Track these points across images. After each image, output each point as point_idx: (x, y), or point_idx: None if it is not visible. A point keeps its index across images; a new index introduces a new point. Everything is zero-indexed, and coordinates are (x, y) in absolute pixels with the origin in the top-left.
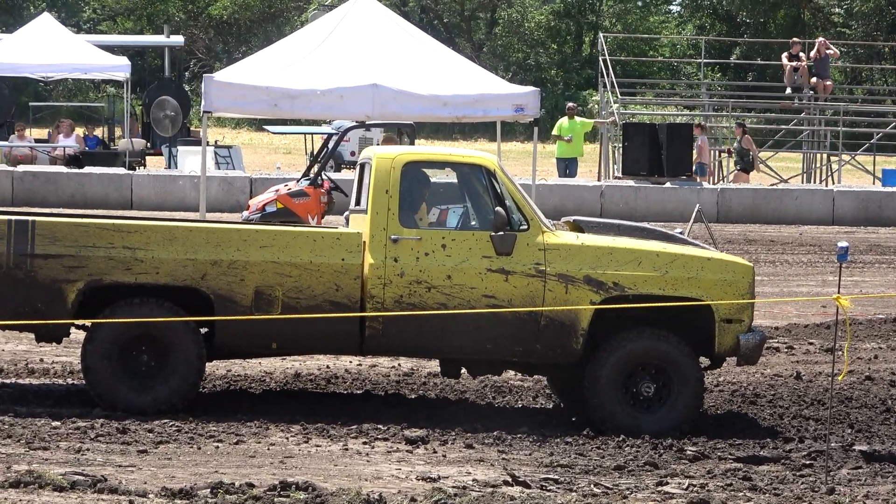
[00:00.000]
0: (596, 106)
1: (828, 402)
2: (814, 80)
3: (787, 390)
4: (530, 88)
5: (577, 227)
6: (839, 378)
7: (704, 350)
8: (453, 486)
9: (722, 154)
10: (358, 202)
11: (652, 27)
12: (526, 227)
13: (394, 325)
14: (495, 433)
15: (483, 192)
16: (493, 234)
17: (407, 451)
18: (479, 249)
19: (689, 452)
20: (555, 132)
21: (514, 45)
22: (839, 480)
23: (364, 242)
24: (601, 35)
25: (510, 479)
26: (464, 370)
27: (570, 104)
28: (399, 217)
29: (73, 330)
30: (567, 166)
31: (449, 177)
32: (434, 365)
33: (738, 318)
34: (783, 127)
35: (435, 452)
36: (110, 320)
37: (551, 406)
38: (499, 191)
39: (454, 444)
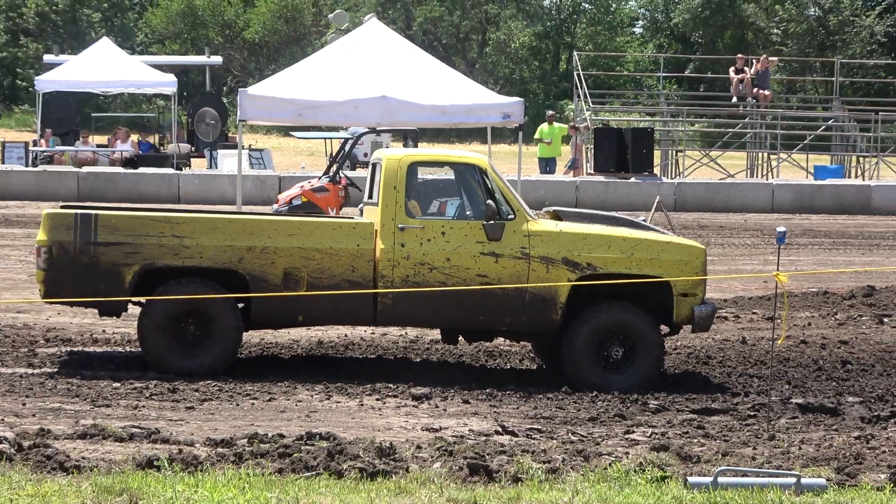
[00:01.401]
0: (571, 113)
1: (769, 363)
2: (756, 90)
3: (734, 353)
4: (515, 99)
5: (557, 216)
6: (778, 342)
7: (664, 319)
8: (452, 436)
9: (675, 154)
10: (370, 196)
11: (618, 46)
12: (513, 216)
13: (402, 300)
14: (488, 390)
15: (476, 187)
16: (485, 223)
17: (413, 406)
18: (473, 236)
19: (651, 406)
20: (537, 136)
21: (502, 62)
22: (779, 428)
23: (376, 231)
24: (575, 53)
25: (500, 429)
26: (461, 338)
27: (550, 112)
28: (405, 209)
29: (130, 306)
30: (547, 164)
31: (447, 174)
32: (436, 333)
33: (693, 293)
34: (730, 130)
35: (437, 407)
36: (163, 297)
37: (535, 368)
38: (489, 186)
39: (453, 399)
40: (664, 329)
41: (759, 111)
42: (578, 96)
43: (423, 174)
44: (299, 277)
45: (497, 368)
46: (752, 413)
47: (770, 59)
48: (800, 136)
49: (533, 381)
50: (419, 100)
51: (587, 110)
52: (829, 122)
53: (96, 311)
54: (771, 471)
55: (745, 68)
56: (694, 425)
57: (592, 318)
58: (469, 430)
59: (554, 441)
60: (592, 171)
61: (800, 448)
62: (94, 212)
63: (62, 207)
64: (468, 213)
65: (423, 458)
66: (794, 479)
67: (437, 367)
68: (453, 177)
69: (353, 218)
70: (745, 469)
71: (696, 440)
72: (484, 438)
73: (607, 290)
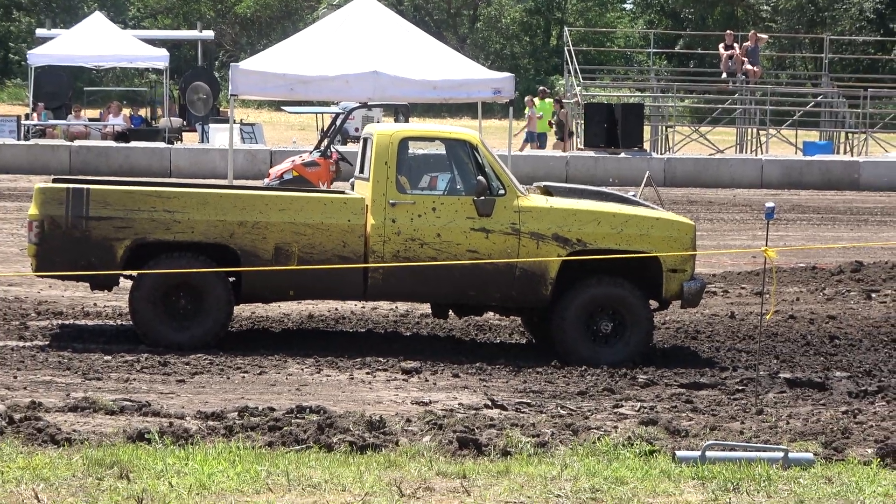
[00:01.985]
0: (562, 89)
1: (757, 338)
2: (745, 66)
3: (722, 327)
4: (506, 74)
5: (547, 192)
6: (767, 317)
7: (654, 295)
8: (442, 409)
9: (664, 129)
10: (362, 171)
11: (609, 22)
12: (503, 192)
13: (392, 275)
14: (477, 364)
15: (467, 162)
16: (476, 198)
17: (403, 380)
18: (464, 211)
19: (640, 380)
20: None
21: (493, 37)
22: (767, 403)
23: (367, 206)
24: (566, 29)
25: (490, 403)
26: (451, 312)
27: (541, 88)
28: (396, 184)
29: (121, 280)
30: (538, 139)
31: (438, 150)
32: (426, 308)
33: (682, 268)
34: (719, 106)
35: (427, 381)
36: (154, 271)
37: (525, 342)
38: (480, 162)
39: (443, 373)
40: (653, 304)
41: (748, 87)
42: (569, 72)
43: (414, 149)
44: (290, 252)
45: (487, 343)
46: (740, 387)
47: (759, 35)
48: (789, 112)
49: (522, 356)
50: (410, 75)
51: (577, 86)
52: (818, 99)
53: (88, 284)
54: (759, 445)
55: (735, 44)
56: (682, 399)
57: (582, 293)
58: (459, 404)
59: (543, 415)
60: (582, 146)
61: (787, 422)
62: (85, 186)
63: (54, 181)
64: (459, 188)
65: (413, 432)
66: (781, 454)
67: (427, 341)
68: (444, 152)
69: (344, 193)
70: (732, 443)
71: (684, 414)
72: (473, 412)
73: (597, 266)
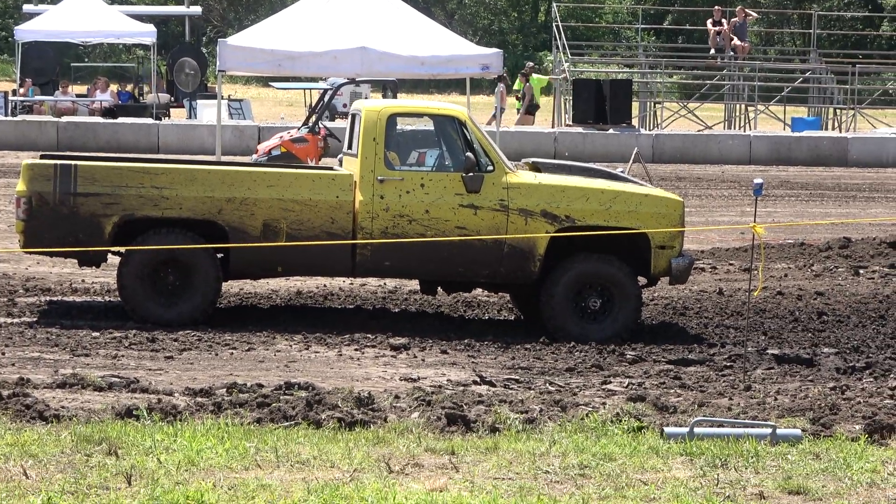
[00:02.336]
0: (550, 65)
1: (745, 314)
2: (734, 41)
3: (710, 304)
4: (494, 50)
5: (536, 168)
6: (755, 293)
7: (642, 271)
8: (431, 385)
9: (653, 106)
10: (350, 147)
11: None
12: (492, 168)
13: (380, 251)
14: (466, 341)
15: (455, 138)
16: (464, 175)
17: (391, 356)
18: (453, 188)
19: (628, 356)
20: (516, 87)
21: (481, 13)
22: (755, 379)
23: (355, 182)
24: (554, 4)
25: (478, 379)
26: (440, 289)
27: (529, 63)
28: (385, 161)
29: (109, 257)
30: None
31: (426, 126)
32: (414, 284)
33: (671, 245)
34: (708, 82)
35: (415, 357)
36: (142, 248)
37: (513, 318)
38: (469, 138)
39: (431, 350)
40: (642, 280)
41: (736, 63)
42: (557, 48)
43: (403, 125)
44: (279, 229)
45: (475, 319)
46: (728, 364)
47: (748, 11)
48: (777, 88)
49: (511, 332)
50: (398, 51)
51: (566, 62)
52: (807, 75)
53: (76, 261)
54: (747, 421)
55: (723, 20)
56: (670, 376)
57: (570, 269)
58: (447, 381)
59: (531, 391)
60: (571, 123)
61: (775, 399)
62: (73, 162)
63: (42, 157)
64: (447, 164)
65: (402, 408)
66: (769, 430)
67: (416, 317)
68: (432, 128)
69: (332, 169)
70: (721, 419)
71: (672, 391)
72: (462, 388)
73: (586, 242)
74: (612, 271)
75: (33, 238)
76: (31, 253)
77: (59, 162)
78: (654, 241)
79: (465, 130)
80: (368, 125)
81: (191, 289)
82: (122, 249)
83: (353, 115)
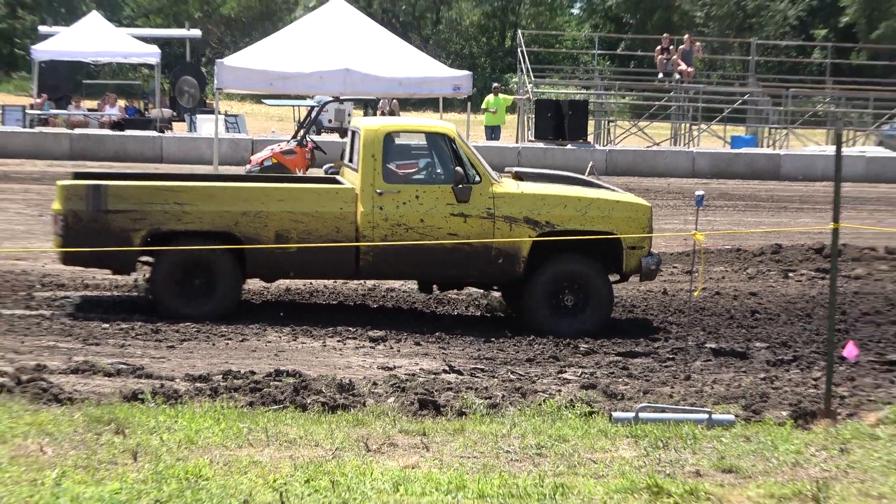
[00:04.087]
0: (515, 86)
1: (686, 312)
2: (680, 66)
3: (656, 302)
4: (464, 72)
5: (519, 177)
6: (695, 293)
7: (615, 269)
8: (405, 374)
9: (607, 124)
10: (350, 160)
11: (558, 26)
12: (479, 180)
13: (381, 256)
14: (437, 334)
15: (446, 153)
16: (454, 186)
17: (370, 347)
18: (444, 198)
19: (582, 348)
20: (483, 106)
21: (454, 38)
22: (694, 370)
23: (357, 195)
24: (520, 31)
25: (448, 368)
26: (436, 289)
27: (496, 84)
28: (383, 175)
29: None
30: (493, 132)
31: (419, 142)
32: (391, 283)
33: (640, 246)
34: (656, 103)
35: (391, 348)
36: (171, 248)
37: (479, 314)
38: (458, 152)
39: (406, 342)
40: (614, 277)
41: (682, 86)
42: (521, 70)
43: (398, 141)
44: (289, 238)
45: (446, 315)
46: (670, 356)
47: (693, 39)
48: (718, 108)
49: (478, 327)
50: (378, 72)
51: (529, 83)
52: (745, 97)
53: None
54: (686, 407)
55: (671, 47)
56: (619, 366)
57: (550, 269)
58: (420, 369)
59: (495, 379)
60: (533, 138)
61: (712, 387)
62: (103, 183)
63: (74, 177)
64: (439, 176)
65: (379, 394)
66: (706, 416)
67: (392, 312)
68: (425, 144)
69: (336, 184)
70: (663, 406)
71: (620, 379)
72: (433, 376)
73: (564, 245)
74: (587, 271)
75: (70, 252)
76: (70, 265)
77: (90, 182)
78: (625, 243)
79: (455, 146)
80: (367, 142)
81: (214, 290)
82: (152, 259)
83: (353, 132)
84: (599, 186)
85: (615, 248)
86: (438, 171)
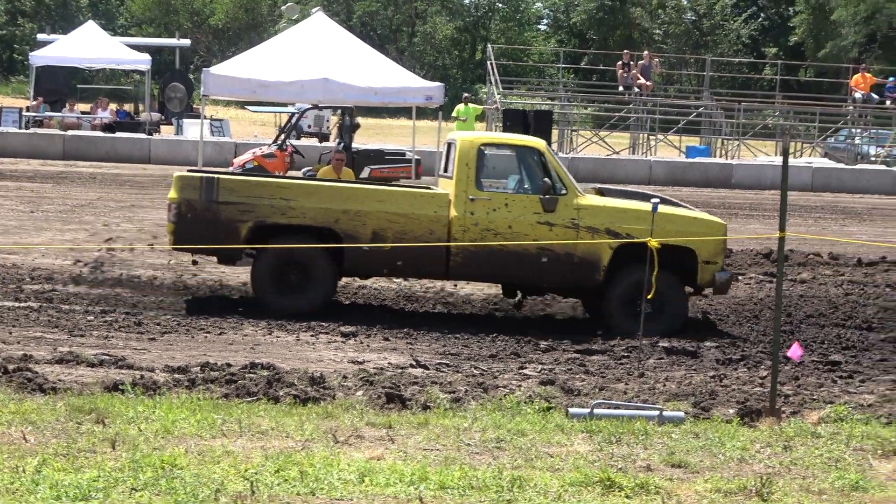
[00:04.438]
0: (484, 96)
1: (640, 312)
2: (639, 80)
3: None
4: (437, 84)
5: (601, 192)
6: (648, 295)
7: (690, 282)
8: (374, 367)
9: (570, 133)
10: (446, 170)
11: (526, 40)
12: (565, 192)
13: (470, 258)
14: (405, 330)
15: (535, 166)
16: (542, 197)
17: (341, 341)
18: (531, 207)
19: (542, 346)
20: (454, 114)
21: (428, 51)
22: (647, 367)
23: (450, 200)
24: (489, 45)
25: (414, 363)
26: (424, 287)
27: (466, 94)
28: (475, 183)
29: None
30: None
31: (510, 155)
32: (362, 280)
33: (714, 260)
34: (616, 114)
35: (361, 343)
36: (274, 246)
37: (446, 311)
38: (546, 165)
39: (375, 337)
40: (689, 289)
41: (641, 99)
42: (491, 81)
43: (490, 153)
44: (385, 237)
45: (414, 312)
46: (625, 354)
47: (652, 55)
48: (675, 120)
49: (444, 324)
50: (356, 82)
51: (498, 94)
52: (700, 110)
53: (214, 258)
54: (639, 404)
55: (631, 62)
56: (577, 363)
57: (628, 277)
58: (388, 364)
59: (459, 374)
60: None
61: (664, 385)
62: (216, 175)
63: (189, 171)
64: (527, 187)
65: (348, 387)
66: (657, 412)
67: (363, 308)
68: (515, 156)
69: (431, 189)
70: (617, 402)
71: (578, 376)
72: (400, 371)
73: (642, 255)
74: (663, 281)
75: (181, 238)
76: (178, 250)
77: (204, 174)
78: (700, 257)
79: (543, 159)
80: (462, 153)
81: (311, 285)
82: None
83: (449, 144)
84: (677, 205)
85: (690, 260)
86: (527, 182)
